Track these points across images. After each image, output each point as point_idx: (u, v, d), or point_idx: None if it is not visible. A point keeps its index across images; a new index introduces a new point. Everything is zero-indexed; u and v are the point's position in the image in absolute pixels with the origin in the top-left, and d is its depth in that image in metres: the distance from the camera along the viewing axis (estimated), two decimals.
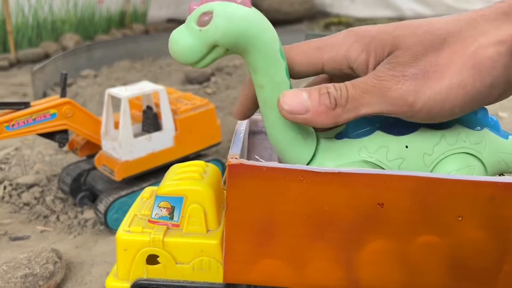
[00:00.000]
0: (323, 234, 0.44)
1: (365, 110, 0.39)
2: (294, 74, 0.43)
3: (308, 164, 0.44)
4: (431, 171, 0.44)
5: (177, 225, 0.50)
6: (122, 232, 0.49)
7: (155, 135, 0.84)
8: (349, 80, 0.40)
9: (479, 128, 0.45)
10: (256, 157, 0.48)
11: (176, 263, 0.49)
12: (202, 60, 0.38)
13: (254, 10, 0.39)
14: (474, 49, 0.36)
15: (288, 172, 0.42)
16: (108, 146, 0.83)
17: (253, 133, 0.57)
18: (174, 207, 0.50)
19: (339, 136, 0.45)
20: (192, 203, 0.49)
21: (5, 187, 0.98)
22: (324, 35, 0.46)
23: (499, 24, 0.36)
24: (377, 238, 0.44)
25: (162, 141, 0.86)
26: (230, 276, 0.47)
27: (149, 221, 0.50)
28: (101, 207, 0.83)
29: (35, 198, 0.95)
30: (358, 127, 0.44)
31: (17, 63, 2.24)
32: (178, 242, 0.49)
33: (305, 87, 0.43)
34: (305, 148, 0.44)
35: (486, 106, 0.44)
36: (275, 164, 0.43)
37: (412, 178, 0.42)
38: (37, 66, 1.65)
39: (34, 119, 0.75)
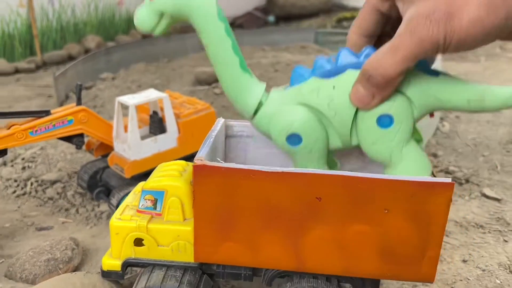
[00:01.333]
0: (272, 223, 0.53)
1: (409, 60, 0.44)
2: (363, 30, 0.52)
3: (255, 112, 0.53)
4: (356, 109, 0.49)
5: (159, 214, 0.60)
6: (114, 219, 0.60)
7: (160, 137, 0.94)
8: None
9: None
10: (218, 159, 0.57)
11: (158, 245, 0.59)
12: (156, 27, 0.49)
13: None
14: None
15: (242, 171, 0.52)
16: (119, 147, 0.94)
17: (229, 136, 0.67)
18: (157, 199, 0.60)
19: (286, 88, 0.53)
20: (171, 196, 0.59)
21: (32, 183, 1.12)
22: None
23: None
24: (317, 227, 0.53)
25: (166, 142, 0.96)
26: (199, 256, 0.57)
27: (137, 210, 0.61)
28: (114, 201, 0.94)
29: (58, 193, 1.07)
30: (299, 77, 0.52)
31: (43, 65, 2.39)
32: (159, 228, 0.59)
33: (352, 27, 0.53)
34: (251, 97, 0.52)
35: None
36: (231, 165, 0.52)
37: (344, 177, 0.51)
38: (59, 71, 1.80)
39: (54, 125, 0.87)
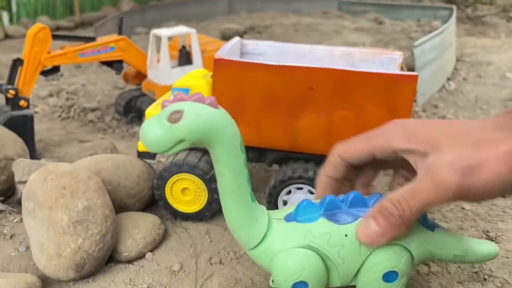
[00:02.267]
0: (274, 109, 0.67)
1: (427, 206, 0.44)
2: (350, 160, 0.50)
3: (257, 245, 0.49)
4: (365, 259, 0.48)
5: None
6: (150, 109, 0.75)
7: (187, 67, 1.09)
8: (396, 161, 0.48)
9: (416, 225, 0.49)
10: (233, 55, 0.71)
11: None
12: (169, 150, 0.42)
13: (220, 110, 0.44)
14: (504, 150, 0.41)
15: (252, 65, 0.66)
16: (152, 74, 1.09)
17: (243, 53, 0.80)
18: None
19: (288, 218, 0.50)
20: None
21: (75, 110, 1.28)
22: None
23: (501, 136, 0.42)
24: (309, 112, 0.66)
25: None
26: None
27: None
28: None
29: (97, 118, 1.24)
30: (305, 212, 0.49)
31: (81, 25, 2.59)
32: None
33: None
34: (256, 231, 0.48)
35: None
36: (243, 59, 0.66)
37: (332, 70, 0.64)
38: (99, 22, 1.97)
39: (99, 50, 1.02)
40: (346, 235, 0.48)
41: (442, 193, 0.42)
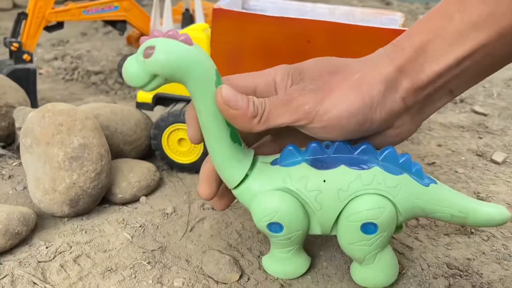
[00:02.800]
0: (271, 62, 0.67)
1: (277, 121, 0.45)
2: None
3: (238, 185, 0.49)
4: (344, 207, 0.47)
5: None
6: None
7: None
8: None
9: (399, 173, 0.47)
10: (232, 7, 0.71)
11: None
12: (146, 86, 0.42)
13: (194, 47, 0.43)
14: (358, 76, 0.44)
15: (250, 15, 0.66)
16: None
17: (244, 9, 0.81)
18: None
19: (274, 163, 0.50)
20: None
21: (79, 72, 1.29)
22: None
23: (380, 63, 0.45)
24: None
25: None
26: None
27: None
28: None
29: (101, 80, 1.25)
30: (290, 156, 0.49)
31: None
32: None
33: None
34: (237, 170, 0.48)
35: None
36: (242, 10, 0.67)
37: (331, 23, 0.64)
38: None
39: (103, 8, 1.03)
40: (324, 181, 0.47)
41: (291, 116, 0.44)
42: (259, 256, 0.57)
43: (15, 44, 0.93)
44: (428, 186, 0.48)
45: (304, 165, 0.48)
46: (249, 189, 0.49)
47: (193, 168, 0.75)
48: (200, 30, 0.76)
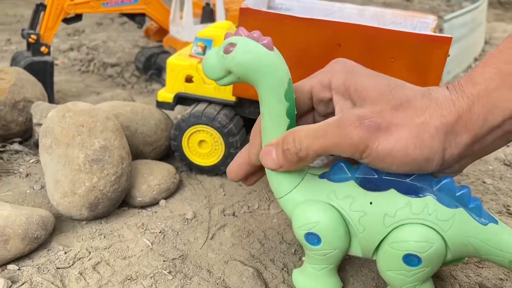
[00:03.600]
0: (298, 64, 0.65)
1: (326, 151, 0.43)
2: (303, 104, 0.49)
3: (286, 195, 0.48)
4: (388, 234, 0.45)
5: None
6: (172, 59, 0.74)
7: (210, 24, 1.07)
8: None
9: (454, 206, 0.44)
10: (260, 6, 0.69)
11: (204, 83, 0.73)
12: (221, 80, 0.43)
13: (273, 53, 0.43)
14: (421, 121, 0.40)
15: (278, 16, 0.63)
16: (174, 30, 1.07)
17: (270, 8, 0.78)
18: (206, 46, 0.73)
19: (322, 175, 0.48)
20: (218, 45, 0.72)
21: (95, 64, 1.28)
22: None
23: (444, 108, 0.41)
24: None
25: None
26: (237, 92, 0.70)
27: (189, 55, 0.74)
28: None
29: (117, 73, 1.23)
30: (340, 172, 0.47)
31: None
32: None
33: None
34: (288, 181, 0.47)
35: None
36: (270, 10, 0.64)
37: (362, 26, 0.61)
38: None
39: (122, 1, 1.01)
40: (371, 203, 0.45)
41: (343, 142, 0.41)
42: (282, 269, 0.55)
43: (33, 36, 0.91)
44: (486, 225, 0.44)
45: (352, 184, 0.46)
46: (293, 199, 0.48)
47: (213, 170, 0.73)
48: (224, 28, 0.74)
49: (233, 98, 0.72)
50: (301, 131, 0.44)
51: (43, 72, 0.91)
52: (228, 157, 0.72)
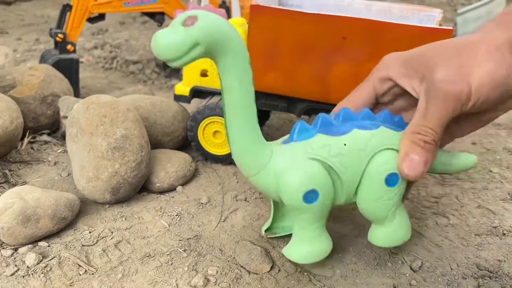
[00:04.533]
0: (306, 58, 0.69)
1: (445, 122, 0.47)
2: (359, 106, 0.54)
3: (262, 170, 0.49)
4: (365, 167, 0.50)
5: None
6: None
7: None
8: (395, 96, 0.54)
9: (398, 130, 0.52)
10: (271, 3, 0.72)
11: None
12: (181, 58, 0.40)
13: (230, 23, 0.44)
14: (485, 49, 0.46)
15: (287, 12, 0.67)
16: None
17: (281, 5, 0.82)
18: None
19: (286, 142, 0.51)
20: None
21: (118, 61, 1.34)
22: None
23: (496, 32, 0.47)
24: (341, 62, 0.68)
25: None
26: None
27: None
28: None
29: (138, 70, 1.29)
30: (302, 132, 0.51)
31: None
32: None
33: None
34: (263, 151, 0.49)
35: None
36: (279, 6, 0.68)
37: (367, 21, 0.65)
38: None
39: (142, 1, 1.06)
40: (345, 144, 0.49)
41: (451, 105, 0.46)
42: None
43: (60, 35, 0.97)
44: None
45: (320, 136, 0.50)
46: (273, 170, 0.49)
47: (227, 159, 0.78)
48: (237, 24, 0.78)
49: None
50: (415, 125, 0.48)
51: (69, 69, 0.97)
52: None
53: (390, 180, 0.50)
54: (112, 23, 1.76)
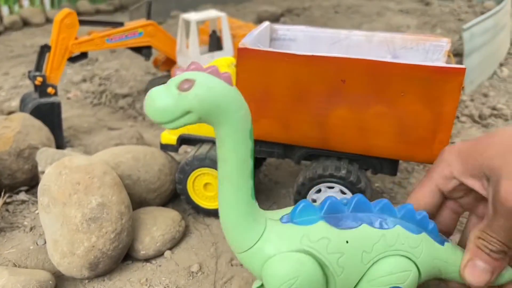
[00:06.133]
0: (302, 103, 0.62)
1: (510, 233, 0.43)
2: (426, 207, 0.50)
3: (250, 248, 0.44)
4: (367, 270, 0.44)
5: None
6: None
7: (217, 53, 1.05)
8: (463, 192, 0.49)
9: (418, 231, 0.46)
10: (258, 45, 0.66)
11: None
12: (173, 122, 0.37)
13: (234, 88, 0.40)
14: None
15: (278, 54, 0.60)
16: (181, 60, 1.05)
17: (273, 39, 0.75)
18: None
19: (284, 219, 0.45)
20: None
21: (106, 96, 1.27)
22: None
23: None
24: (340, 107, 0.60)
25: None
26: None
27: None
28: None
29: (128, 104, 1.22)
30: (304, 213, 0.44)
31: (120, 8, 2.61)
32: None
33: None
34: (253, 231, 0.44)
35: None
36: (269, 49, 0.61)
37: (367, 61, 0.57)
38: (134, 6, 1.96)
39: (126, 36, 1.00)
40: (347, 242, 0.43)
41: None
42: None
43: (39, 78, 0.91)
44: (444, 245, 0.47)
45: (322, 224, 0.44)
46: (261, 252, 0.43)
47: None
48: (225, 65, 0.71)
49: None
50: (486, 227, 0.44)
51: (50, 114, 0.91)
52: None
53: None
54: (103, 52, 1.70)
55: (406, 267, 0.44)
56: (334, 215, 0.44)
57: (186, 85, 0.37)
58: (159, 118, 0.37)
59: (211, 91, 0.37)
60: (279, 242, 0.43)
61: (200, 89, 0.37)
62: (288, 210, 0.46)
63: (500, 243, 0.43)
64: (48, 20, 2.32)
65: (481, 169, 0.45)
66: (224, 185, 0.42)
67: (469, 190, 0.49)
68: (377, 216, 0.45)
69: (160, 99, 0.37)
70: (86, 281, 0.58)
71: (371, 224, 0.44)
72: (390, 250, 0.44)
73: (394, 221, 0.45)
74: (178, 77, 0.38)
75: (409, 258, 0.44)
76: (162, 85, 0.38)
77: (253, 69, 0.62)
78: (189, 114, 0.37)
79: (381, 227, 0.44)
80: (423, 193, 0.50)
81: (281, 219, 0.45)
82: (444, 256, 0.46)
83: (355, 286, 0.45)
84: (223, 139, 0.40)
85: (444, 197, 0.51)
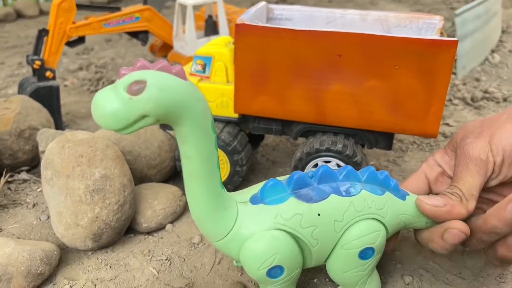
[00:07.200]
0: (299, 78, 0.63)
1: (476, 190, 0.48)
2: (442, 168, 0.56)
3: (226, 235, 0.44)
4: (340, 238, 0.46)
5: (208, 77, 0.71)
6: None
7: (213, 37, 1.06)
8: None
9: (382, 192, 0.48)
10: (256, 20, 0.67)
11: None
12: (127, 128, 0.35)
13: (188, 82, 0.37)
14: (505, 116, 0.50)
15: (276, 30, 0.61)
16: (177, 45, 1.06)
17: (270, 19, 0.76)
18: (206, 64, 0.71)
19: (254, 200, 0.46)
20: (218, 61, 0.70)
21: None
22: None
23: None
24: (336, 82, 0.62)
25: None
26: (238, 108, 0.68)
27: (189, 74, 0.73)
28: None
29: None
30: (273, 192, 0.45)
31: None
32: (207, 87, 0.70)
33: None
34: (227, 217, 0.44)
35: None
36: (267, 24, 0.62)
37: (363, 35, 0.59)
38: None
39: (124, 20, 1.00)
40: (319, 214, 0.44)
41: (479, 169, 0.48)
42: None
43: (38, 62, 0.91)
44: (405, 199, 0.49)
45: (292, 200, 0.45)
46: (236, 236, 0.44)
47: None
48: (222, 44, 0.72)
49: (236, 115, 0.70)
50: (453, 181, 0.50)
51: (49, 97, 0.91)
52: (234, 175, 0.70)
53: (365, 253, 0.46)
54: (98, 40, 1.70)
55: (375, 228, 0.46)
56: (302, 189, 0.45)
57: (136, 87, 0.34)
58: (112, 125, 0.34)
59: (165, 91, 0.34)
60: (253, 226, 0.44)
61: (153, 90, 0.34)
62: (255, 188, 0.47)
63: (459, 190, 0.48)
64: (42, 12, 2.31)
65: (452, 145, 0.53)
66: (191, 182, 0.41)
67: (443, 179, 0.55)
68: (343, 183, 0.47)
69: (109, 105, 0.33)
70: (90, 252, 0.60)
71: (339, 193, 0.46)
72: (359, 215, 0.46)
73: (359, 186, 0.47)
74: (125, 78, 0.34)
75: (377, 220, 0.46)
76: (109, 88, 0.35)
77: (251, 45, 0.63)
78: (145, 118, 0.35)
79: (348, 194, 0.46)
80: (411, 181, 0.55)
81: (251, 200, 0.45)
82: (407, 210, 0.49)
83: (330, 252, 0.47)
84: (185, 137, 0.38)
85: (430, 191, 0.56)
